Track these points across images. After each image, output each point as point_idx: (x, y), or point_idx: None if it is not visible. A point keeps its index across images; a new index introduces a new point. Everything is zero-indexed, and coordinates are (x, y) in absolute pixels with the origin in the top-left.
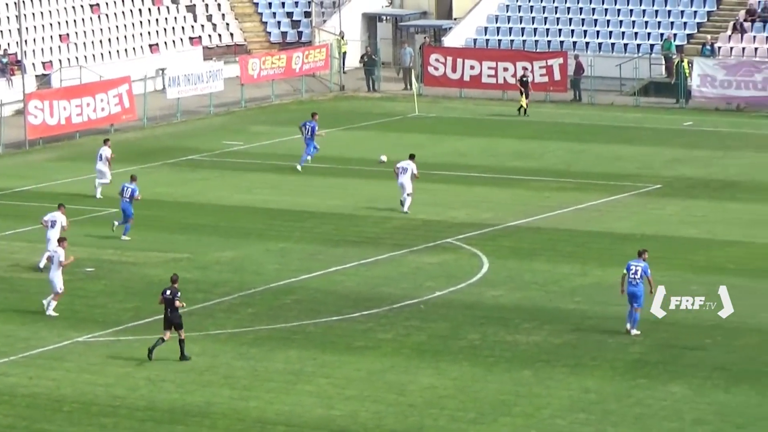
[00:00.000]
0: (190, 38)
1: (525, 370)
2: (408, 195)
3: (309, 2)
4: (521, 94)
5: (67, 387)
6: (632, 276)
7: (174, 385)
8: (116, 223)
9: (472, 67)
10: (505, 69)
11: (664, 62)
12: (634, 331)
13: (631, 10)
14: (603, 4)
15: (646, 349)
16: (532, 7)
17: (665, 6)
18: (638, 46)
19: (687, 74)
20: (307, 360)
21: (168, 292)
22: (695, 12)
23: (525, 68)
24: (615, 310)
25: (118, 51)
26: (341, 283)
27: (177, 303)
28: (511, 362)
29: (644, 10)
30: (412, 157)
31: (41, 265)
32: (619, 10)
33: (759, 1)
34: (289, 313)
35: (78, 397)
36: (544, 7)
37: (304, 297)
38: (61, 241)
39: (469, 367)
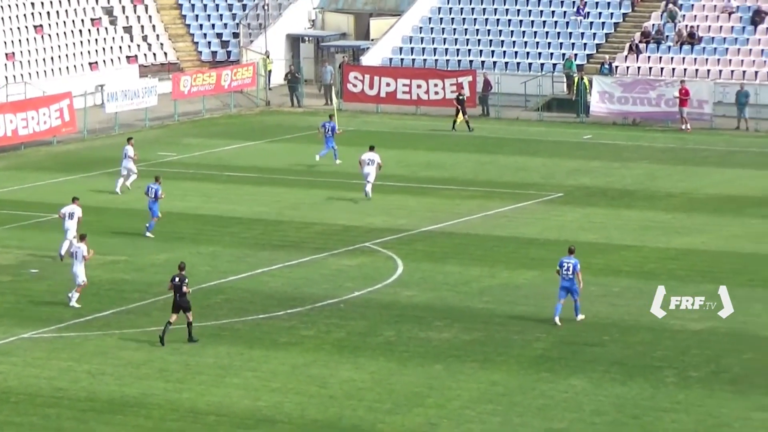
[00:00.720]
0: (127, 57)
1: (437, 365)
2: (370, 182)
3: (237, 24)
4: (457, 111)
5: (14, 380)
6: (565, 272)
7: (113, 378)
8: (146, 231)
9: (387, 84)
10: (419, 86)
11: (565, 80)
12: (581, 316)
13: (535, 32)
14: (509, 26)
15: (548, 345)
16: (443, 29)
17: (566, 28)
18: (542, 65)
19: (587, 91)
20: (235, 355)
21: (176, 279)
22: (594, 34)
23: (461, 87)
24: (521, 310)
25: (60, 68)
26: (267, 284)
27: (185, 288)
28: (424, 357)
29: (547, 32)
30: (372, 148)
31: (62, 253)
32: (524, 32)
33: (653, 24)
34: (219, 312)
35: (24, 389)
36: (454, 29)
37: (232, 296)
38: (83, 237)
39: (386, 361)
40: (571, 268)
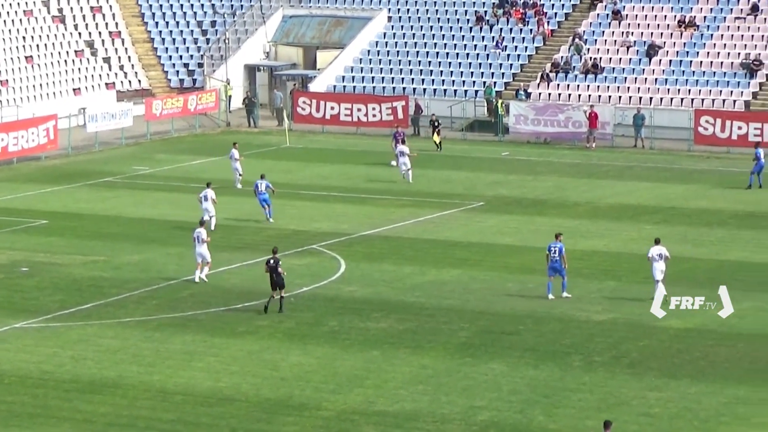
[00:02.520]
0: (106, 84)
1: (374, 351)
2: (409, 170)
3: (201, 55)
4: (433, 133)
5: (6, 364)
6: (553, 255)
7: (93, 362)
8: (269, 218)
9: (332, 108)
10: (359, 110)
11: (486, 104)
12: (566, 294)
13: (460, 63)
14: (437, 57)
15: (471, 334)
16: (380, 60)
17: (487, 59)
18: (465, 91)
19: (503, 114)
20: (199, 342)
21: (272, 261)
22: (511, 64)
23: (434, 114)
24: (448, 303)
25: (47, 93)
26: (227, 281)
27: (280, 269)
28: (363, 344)
29: (470, 63)
30: (403, 141)
31: (213, 228)
32: (450, 62)
33: (562, 56)
34: (185, 305)
35: (15, 372)
36: (390, 60)
37: (197, 291)
38: (202, 223)
39: (330, 348)
40: (557, 251)
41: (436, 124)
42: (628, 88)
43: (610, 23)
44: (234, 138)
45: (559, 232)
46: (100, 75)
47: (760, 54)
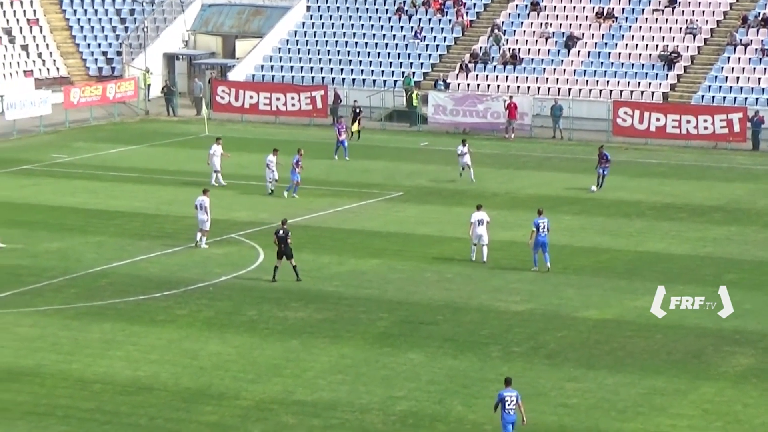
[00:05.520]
0: (24, 71)
1: (293, 340)
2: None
3: (120, 43)
4: (353, 121)
5: None
6: (542, 230)
7: (10, 351)
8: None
9: (251, 97)
10: (278, 99)
11: (405, 94)
12: (548, 265)
13: (379, 53)
14: (356, 47)
15: (390, 324)
16: (299, 49)
17: (406, 49)
18: (384, 81)
19: (418, 104)
20: (118, 331)
21: (281, 232)
22: (430, 54)
23: (356, 100)
24: (366, 292)
25: None
26: (146, 269)
27: (289, 240)
28: (282, 333)
29: (389, 53)
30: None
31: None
32: (369, 52)
33: (480, 47)
34: (104, 293)
35: None
36: (309, 49)
37: (116, 280)
38: (205, 191)
39: (249, 337)
40: (545, 226)
41: (358, 111)
42: (547, 79)
43: (528, 14)
44: (153, 127)
45: (541, 208)
46: (18, 62)
47: (678, 46)
